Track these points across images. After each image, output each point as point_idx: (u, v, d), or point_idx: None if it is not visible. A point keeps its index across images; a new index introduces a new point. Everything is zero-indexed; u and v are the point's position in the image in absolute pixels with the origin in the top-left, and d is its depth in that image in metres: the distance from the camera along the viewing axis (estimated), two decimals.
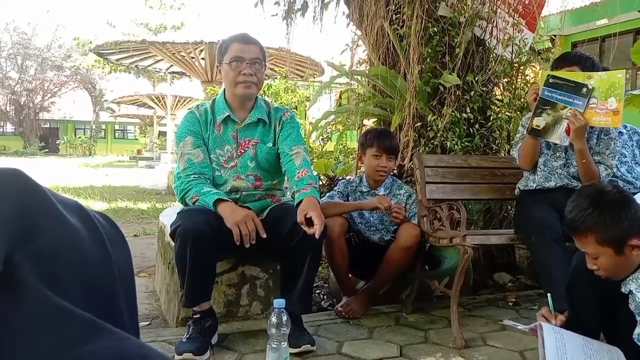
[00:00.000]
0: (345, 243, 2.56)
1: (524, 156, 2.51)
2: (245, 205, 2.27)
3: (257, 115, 2.34)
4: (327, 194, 2.88)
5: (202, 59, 11.94)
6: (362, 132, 3.12)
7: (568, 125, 2.30)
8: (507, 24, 3.36)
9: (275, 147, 2.36)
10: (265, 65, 2.36)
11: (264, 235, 2.07)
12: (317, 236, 1.99)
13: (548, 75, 2.35)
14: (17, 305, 0.57)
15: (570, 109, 2.29)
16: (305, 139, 2.79)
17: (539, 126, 2.35)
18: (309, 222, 2.02)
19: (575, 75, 2.33)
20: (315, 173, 2.29)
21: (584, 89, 2.28)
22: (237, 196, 2.30)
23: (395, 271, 2.62)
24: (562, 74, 2.35)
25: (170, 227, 2.13)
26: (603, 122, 2.29)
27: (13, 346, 0.56)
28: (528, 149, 2.48)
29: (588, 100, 2.28)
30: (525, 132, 2.48)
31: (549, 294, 1.75)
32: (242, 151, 2.32)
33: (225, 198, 2.15)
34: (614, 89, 2.25)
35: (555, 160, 2.49)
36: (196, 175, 2.23)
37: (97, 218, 0.77)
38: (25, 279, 0.59)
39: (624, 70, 2.29)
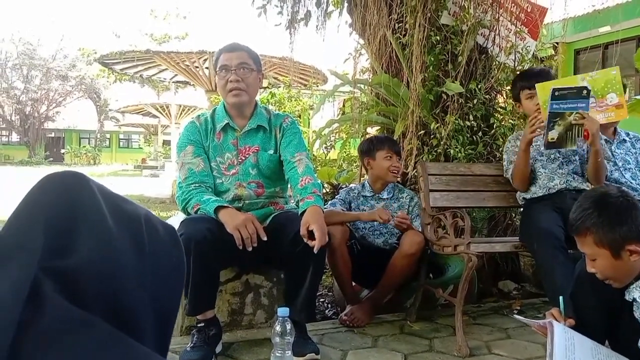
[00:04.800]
0: (347, 251, 2.57)
1: (521, 177, 2.55)
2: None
3: (257, 122, 2.34)
4: (330, 202, 2.90)
5: (206, 68, 12.01)
6: (363, 140, 3.13)
7: (580, 128, 2.32)
8: (510, 32, 3.37)
9: (276, 155, 2.36)
10: (258, 70, 2.34)
11: (265, 238, 2.06)
12: (315, 251, 1.99)
13: (553, 89, 2.38)
14: (37, 315, 0.58)
15: (577, 113, 2.32)
16: (308, 147, 2.80)
17: (553, 139, 2.37)
18: (312, 234, 2.02)
19: (570, 80, 2.38)
20: (319, 180, 2.29)
21: (585, 91, 2.31)
22: (240, 205, 2.30)
23: (399, 278, 2.62)
24: (562, 82, 2.41)
25: None
26: (607, 117, 2.35)
27: (32, 356, 0.57)
28: (521, 168, 2.52)
29: (589, 101, 2.32)
30: (514, 152, 2.59)
31: (561, 297, 1.74)
32: (243, 158, 2.33)
33: (225, 205, 2.16)
34: (612, 85, 2.33)
35: (552, 162, 2.54)
36: (197, 185, 2.24)
37: (155, 232, 0.76)
38: (47, 291, 0.60)
39: (617, 67, 2.36)
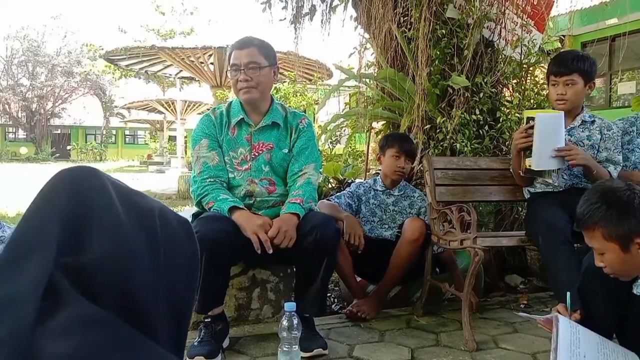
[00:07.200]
0: (344, 242, 2.56)
1: (518, 176, 2.52)
2: (259, 212, 2.26)
3: (272, 119, 2.33)
4: (336, 195, 2.96)
5: (211, 63, 11.99)
6: (383, 135, 3.18)
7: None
8: (516, 25, 3.35)
9: (290, 154, 2.34)
10: (271, 64, 2.30)
11: (270, 251, 2.07)
12: (256, 248, 2.03)
13: (527, 117, 2.35)
14: (54, 311, 0.59)
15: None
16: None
17: (531, 165, 2.33)
18: None
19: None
20: (309, 192, 2.25)
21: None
22: (251, 202, 2.29)
23: (404, 266, 2.61)
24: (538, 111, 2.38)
25: None
26: None
27: (48, 351, 0.58)
28: (517, 170, 2.49)
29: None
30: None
31: (568, 292, 1.74)
32: (256, 154, 2.31)
33: (240, 206, 2.15)
34: None
35: None
36: (212, 179, 2.24)
37: (169, 226, 0.76)
38: (63, 287, 0.60)
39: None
